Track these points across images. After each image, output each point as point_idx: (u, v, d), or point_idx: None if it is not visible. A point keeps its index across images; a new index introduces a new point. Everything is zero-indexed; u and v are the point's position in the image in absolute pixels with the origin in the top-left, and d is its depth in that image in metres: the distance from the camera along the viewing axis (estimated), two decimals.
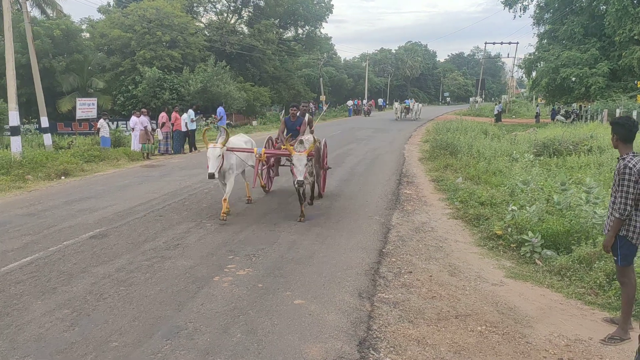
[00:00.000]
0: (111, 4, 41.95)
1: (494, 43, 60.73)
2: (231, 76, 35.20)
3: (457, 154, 16.18)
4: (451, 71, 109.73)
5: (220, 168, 8.40)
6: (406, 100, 48.25)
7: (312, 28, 52.62)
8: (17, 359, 4.10)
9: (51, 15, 32.17)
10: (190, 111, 19.86)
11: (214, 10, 46.86)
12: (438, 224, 8.78)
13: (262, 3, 46.34)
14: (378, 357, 4.28)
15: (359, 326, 4.78)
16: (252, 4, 46.76)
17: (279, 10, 46.43)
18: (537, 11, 37.31)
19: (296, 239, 7.55)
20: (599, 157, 13.45)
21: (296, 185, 8.19)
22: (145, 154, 17.85)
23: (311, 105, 43.80)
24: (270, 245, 7.22)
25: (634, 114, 21.49)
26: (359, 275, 6.14)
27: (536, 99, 49.86)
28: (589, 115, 31.09)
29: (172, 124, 19.10)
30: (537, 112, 40.77)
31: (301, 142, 8.46)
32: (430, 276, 6.19)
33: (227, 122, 27.74)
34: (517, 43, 57.06)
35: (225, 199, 8.63)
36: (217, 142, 8.43)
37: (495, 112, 39.33)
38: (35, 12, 32.00)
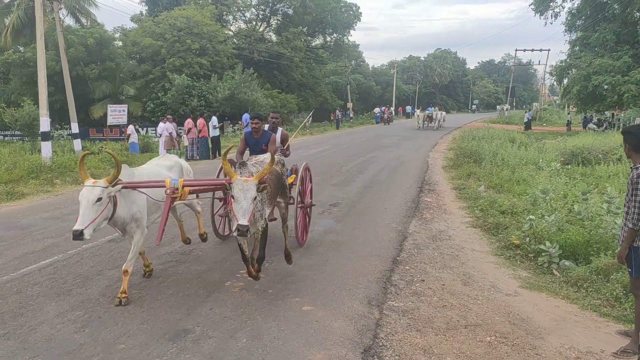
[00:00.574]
0: (143, 13, 43.01)
1: (524, 50, 59.11)
2: (258, 83, 35.49)
3: (481, 162, 15.98)
4: (481, 78, 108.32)
5: (108, 220, 5.11)
6: (429, 108, 43.62)
7: (340, 36, 52.67)
8: (26, 359, 4.21)
9: (85, 24, 33.04)
10: (214, 118, 20.22)
11: (243, 18, 47.42)
12: (456, 232, 8.68)
13: (290, 11, 46.73)
14: None
15: (365, 334, 4.76)
16: (280, 13, 47.20)
17: (307, 19, 46.70)
18: (569, 18, 36.54)
19: (310, 246, 7.56)
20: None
21: (235, 234, 4.84)
22: None
23: (338, 112, 43.82)
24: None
25: None
26: (370, 282, 6.11)
27: (568, 106, 48.79)
28: (621, 124, 30.34)
29: (199, 130, 19.47)
30: (568, 120, 40.00)
31: (243, 164, 5.63)
32: (443, 285, 6.11)
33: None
34: (549, 50, 55.40)
35: (126, 270, 5.42)
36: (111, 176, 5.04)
37: (525, 120, 38.71)
38: (70, 21, 32.96)
